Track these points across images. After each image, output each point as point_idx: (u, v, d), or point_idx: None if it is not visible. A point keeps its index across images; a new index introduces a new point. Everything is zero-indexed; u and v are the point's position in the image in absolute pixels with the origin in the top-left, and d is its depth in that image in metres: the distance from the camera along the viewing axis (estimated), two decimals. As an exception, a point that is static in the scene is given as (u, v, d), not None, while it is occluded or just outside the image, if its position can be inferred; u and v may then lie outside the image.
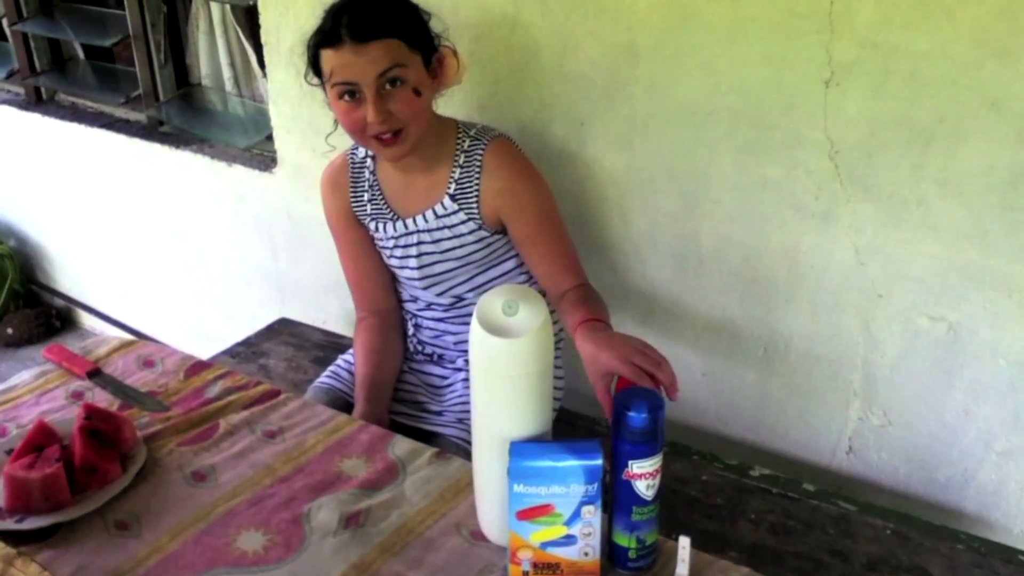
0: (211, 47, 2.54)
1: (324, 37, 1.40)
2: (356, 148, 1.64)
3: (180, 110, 2.62)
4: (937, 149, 1.43)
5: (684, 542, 1.02)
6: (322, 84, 1.45)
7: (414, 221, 1.58)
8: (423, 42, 1.45)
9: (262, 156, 2.41)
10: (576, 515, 1.00)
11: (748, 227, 1.65)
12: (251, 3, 2.16)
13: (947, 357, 1.55)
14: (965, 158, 1.41)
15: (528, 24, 1.72)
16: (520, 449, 1.00)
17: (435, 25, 1.51)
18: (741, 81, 1.55)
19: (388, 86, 1.40)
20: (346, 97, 1.41)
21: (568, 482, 0.99)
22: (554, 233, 1.55)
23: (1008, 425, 1.54)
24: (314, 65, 1.45)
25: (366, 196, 1.62)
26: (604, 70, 1.67)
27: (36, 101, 2.97)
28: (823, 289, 1.62)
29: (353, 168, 1.64)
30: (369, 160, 1.62)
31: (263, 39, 2.14)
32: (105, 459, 1.21)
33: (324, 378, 1.74)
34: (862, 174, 1.50)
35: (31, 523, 1.13)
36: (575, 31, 1.67)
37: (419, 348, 1.76)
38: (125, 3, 2.51)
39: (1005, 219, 1.42)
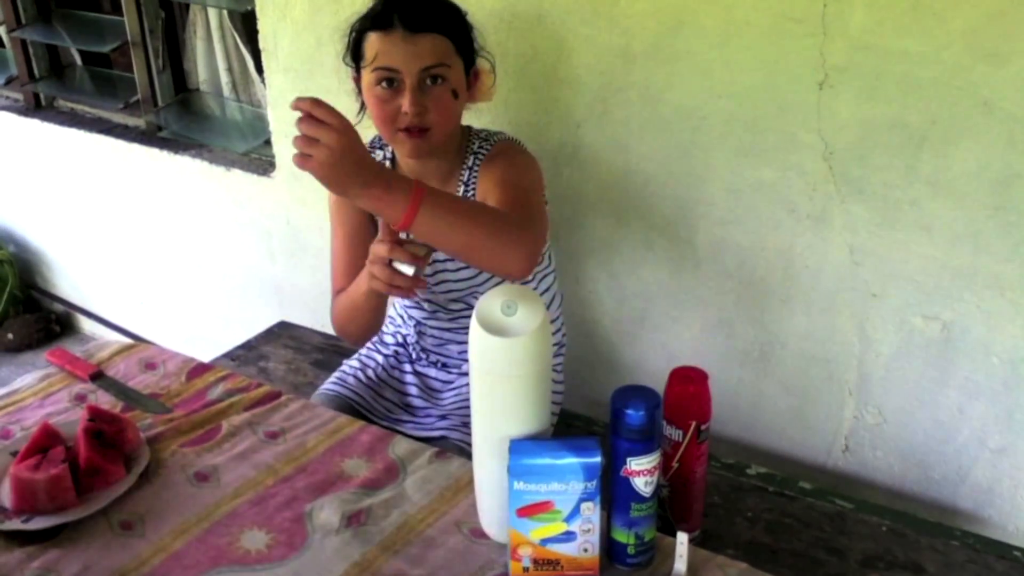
0: (209, 52, 2.55)
1: (374, 20, 1.38)
2: (373, 149, 1.61)
3: (178, 115, 2.63)
4: (929, 150, 1.44)
5: (682, 538, 1.03)
6: (357, 68, 1.43)
7: None
8: (467, 50, 1.45)
9: (260, 161, 2.42)
10: (575, 512, 1.02)
11: (743, 229, 1.67)
12: (249, 9, 2.17)
13: (941, 356, 1.57)
14: (957, 159, 1.43)
15: (524, 28, 1.74)
16: (520, 447, 1.01)
17: (477, 39, 1.50)
18: (735, 84, 1.57)
19: (429, 82, 1.39)
20: (384, 84, 1.39)
21: (567, 479, 1.00)
22: (516, 195, 1.40)
23: (1002, 423, 1.56)
24: (354, 49, 1.43)
25: None
26: (600, 74, 1.69)
27: (35, 107, 2.98)
28: (818, 290, 1.64)
29: None
30: (387, 164, 1.59)
31: (261, 44, 2.15)
32: (109, 460, 1.22)
33: (330, 384, 1.72)
34: (856, 175, 1.52)
35: (37, 523, 1.14)
36: (571, 35, 1.69)
37: (422, 355, 1.75)
38: (123, 9, 2.52)
39: (997, 219, 1.43)
